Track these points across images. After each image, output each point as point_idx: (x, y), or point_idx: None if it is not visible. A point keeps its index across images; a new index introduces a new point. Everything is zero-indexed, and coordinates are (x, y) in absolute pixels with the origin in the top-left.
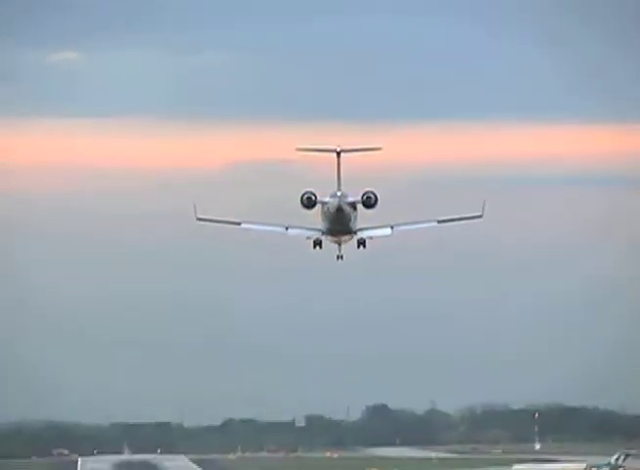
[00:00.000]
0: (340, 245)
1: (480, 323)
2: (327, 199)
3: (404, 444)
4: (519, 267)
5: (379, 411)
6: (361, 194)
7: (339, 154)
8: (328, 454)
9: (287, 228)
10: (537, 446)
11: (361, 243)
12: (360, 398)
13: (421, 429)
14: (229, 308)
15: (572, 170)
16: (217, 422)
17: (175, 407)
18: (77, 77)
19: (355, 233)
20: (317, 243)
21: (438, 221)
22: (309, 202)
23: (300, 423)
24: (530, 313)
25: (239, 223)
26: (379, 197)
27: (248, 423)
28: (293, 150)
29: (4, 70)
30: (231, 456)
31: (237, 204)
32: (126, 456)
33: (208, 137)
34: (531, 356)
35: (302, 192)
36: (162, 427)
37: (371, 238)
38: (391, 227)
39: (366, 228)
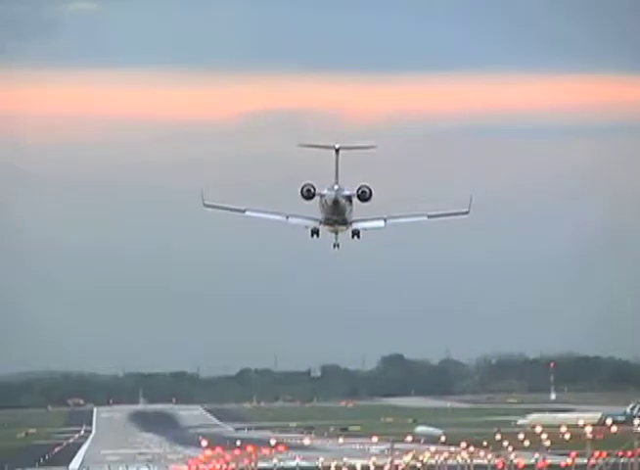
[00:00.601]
0: (336, 234)
1: (493, 275)
2: (325, 191)
3: (419, 393)
4: (524, 216)
5: (394, 361)
6: (356, 188)
7: (337, 151)
8: (343, 404)
9: (287, 217)
10: (553, 396)
11: (355, 233)
12: (375, 348)
13: (436, 379)
14: (244, 263)
15: (570, 120)
16: (233, 372)
17: (191, 357)
18: (93, 28)
19: (350, 224)
20: (315, 232)
21: (428, 216)
22: (308, 193)
23: (316, 373)
24: (544, 263)
25: (243, 211)
26: (373, 191)
27: (263, 373)
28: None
29: (19, 22)
30: (247, 406)
31: (249, 154)
32: (142, 406)
33: (223, 87)
34: (547, 306)
35: (302, 184)
36: (178, 377)
37: (365, 229)
38: (385, 220)
39: (361, 220)
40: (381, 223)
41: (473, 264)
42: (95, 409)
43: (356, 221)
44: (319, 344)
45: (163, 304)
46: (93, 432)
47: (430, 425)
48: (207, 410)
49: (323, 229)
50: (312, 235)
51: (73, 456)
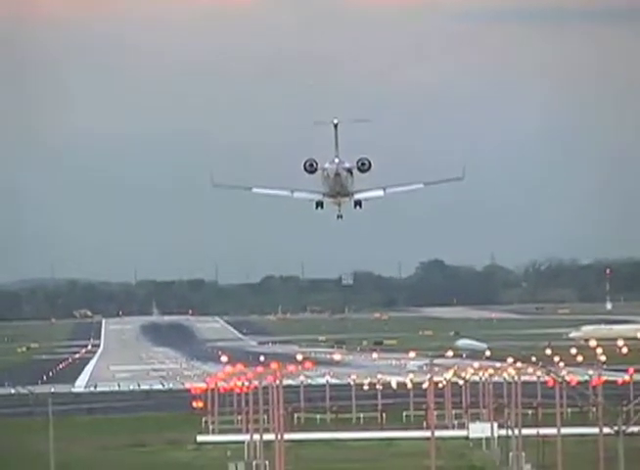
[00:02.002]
0: (339, 206)
1: (542, 176)
2: (326, 165)
3: (461, 303)
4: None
5: (434, 268)
6: (356, 160)
7: (335, 126)
8: (377, 315)
9: (292, 192)
10: (608, 306)
11: (357, 203)
12: (413, 253)
13: (480, 287)
14: (267, 157)
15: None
16: (256, 280)
17: (209, 263)
18: None
19: (352, 195)
20: (319, 204)
21: (424, 184)
22: (311, 168)
23: (348, 281)
24: (598, 163)
25: (250, 188)
26: (372, 162)
27: (289, 281)
28: None
29: None
30: (271, 317)
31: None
32: (155, 318)
33: None
34: (601, 207)
35: (305, 160)
36: (195, 285)
37: (366, 199)
38: (384, 189)
39: (361, 190)
40: (380, 193)
41: (518, 160)
42: (104, 321)
43: (357, 192)
44: (351, 248)
45: (180, 204)
46: (101, 346)
47: (473, 338)
48: (227, 322)
49: (327, 201)
50: (317, 207)
51: (80, 373)
